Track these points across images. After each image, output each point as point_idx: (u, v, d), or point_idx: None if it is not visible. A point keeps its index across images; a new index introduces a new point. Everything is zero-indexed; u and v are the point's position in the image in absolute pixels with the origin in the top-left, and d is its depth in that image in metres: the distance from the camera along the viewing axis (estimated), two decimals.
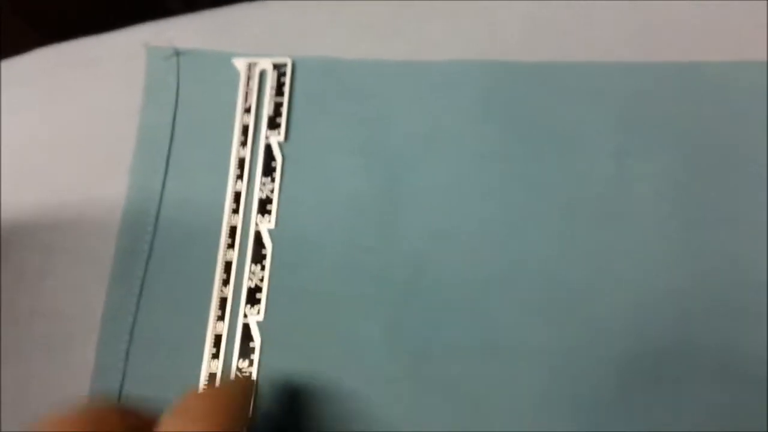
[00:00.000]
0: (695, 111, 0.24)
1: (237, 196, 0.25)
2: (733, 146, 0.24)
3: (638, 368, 0.22)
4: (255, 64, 0.26)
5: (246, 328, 0.24)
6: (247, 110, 0.26)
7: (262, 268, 0.24)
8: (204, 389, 0.22)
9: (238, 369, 0.23)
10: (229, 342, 0.24)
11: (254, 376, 0.23)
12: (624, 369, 0.22)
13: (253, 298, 0.24)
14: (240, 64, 0.26)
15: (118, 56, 0.27)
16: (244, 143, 0.26)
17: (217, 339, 0.24)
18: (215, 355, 0.24)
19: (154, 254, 0.25)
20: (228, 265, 0.24)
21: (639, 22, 0.25)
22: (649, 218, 0.24)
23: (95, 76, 0.27)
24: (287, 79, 0.26)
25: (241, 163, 0.25)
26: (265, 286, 0.24)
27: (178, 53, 0.27)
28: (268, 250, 0.25)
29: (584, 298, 0.23)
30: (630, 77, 0.25)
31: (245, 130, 0.26)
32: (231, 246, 0.25)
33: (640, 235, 0.23)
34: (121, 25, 0.28)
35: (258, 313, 0.24)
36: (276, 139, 0.26)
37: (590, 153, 0.24)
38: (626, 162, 0.24)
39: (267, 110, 0.26)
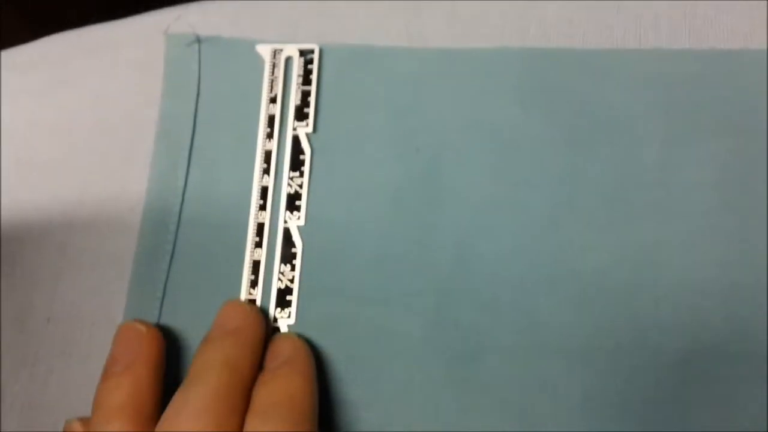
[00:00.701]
0: (741, 98, 0.23)
1: (264, 192, 0.24)
2: None
3: (689, 366, 0.21)
4: (280, 50, 0.25)
5: (277, 332, 0.22)
6: (273, 100, 0.24)
7: (293, 268, 0.23)
8: None
9: None
10: None
11: None
12: (674, 367, 0.21)
13: (283, 301, 0.23)
14: (264, 50, 0.25)
15: (135, 43, 0.26)
16: (270, 135, 0.24)
17: None
18: None
19: (177, 254, 0.23)
20: (256, 265, 0.23)
21: (683, 6, 0.24)
22: (697, 208, 0.22)
23: (112, 64, 0.25)
24: (315, 67, 0.24)
25: (267, 156, 0.24)
26: (296, 287, 0.23)
27: (199, 40, 0.25)
28: (299, 248, 0.23)
29: (630, 292, 0.22)
30: (674, 63, 0.23)
31: (271, 121, 0.24)
32: (259, 245, 0.23)
33: (687, 226, 0.22)
34: (137, 11, 0.26)
35: (289, 316, 0.23)
36: (304, 130, 0.24)
37: (634, 141, 0.23)
38: (671, 150, 0.23)
39: (294, 100, 0.24)
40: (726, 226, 0.22)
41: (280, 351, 0.21)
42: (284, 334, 0.22)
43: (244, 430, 0.19)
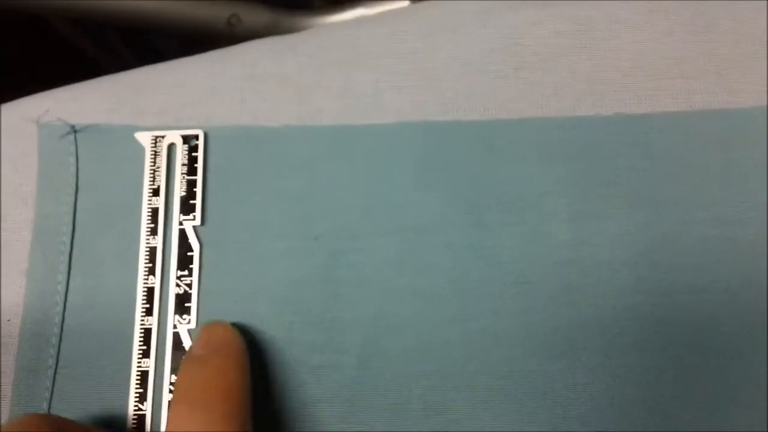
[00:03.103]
0: (650, 165, 0.22)
1: (150, 294, 0.22)
2: (695, 202, 0.21)
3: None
4: (162, 137, 0.23)
5: None
6: (156, 192, 0.23)
7: None
8: None
9: None
10: None
11: None
12: None
13: None
14: (144, 138, 0.23)
15: (2, 135, 0.24)
16: (154, 231, 0.22)
17: None
18: None
19: (61, 372, 0.22)
20: (144, 377, 0.21)
21: (586, 71, 0.22)
22: (613, 288, 0.21)
23: None
24: (200, 154, 0.23)
25: (152, 254, 0.22)
26: None
27: (75, 130, 0.23)
28: None
29: (546, 382, 0.21)
30: (579, 131, 0.22)
31: (155, 215, 0.22)
32: (146, 354, 0.22)
33: (602, 308, 0.21)
34: (12, 95, 0.24)
35: None
36: (191, 223, 0.22)
37: (542, 218, 0.22)
38: (581, 226, 0.22)
39: (178, 191, 0.23)
40: (640, 306, 0.21)
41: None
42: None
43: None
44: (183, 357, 0.21)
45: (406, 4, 0.38)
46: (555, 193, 0.22)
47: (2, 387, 0.22)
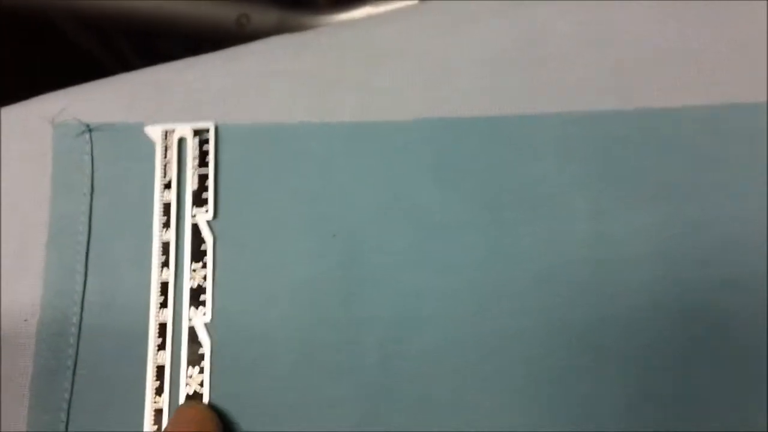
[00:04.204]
0: (673, 160, 0.21)
1: (164, 287, 0.22)
2: (717, 196, 0.21)
3: None
4: (172, 131, 0.23)
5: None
6: (168, 186, 0.23)
7: (201, 370, 0.21)
8: None
9: None
10: None
11: None
12: None
13: None
14: (154, 132, 0.23)
15: (18, 135, 0.24)
16: (167, 224, 0.22)
17: None
18: None
19: (79, 373, 0.21)
20: (160, 370, 0.21)
21: (608, 65, 0.22)
22: (635, 285, 0.20)
23: None
24: (211, 147, 0.23)
25: (165, 247, 0.22)
26: (205, 392, 0.21)
27: (89, 129, 0.23)
28: (206, 347, 0.21)
29: (571, 380, 0.20)
30: (600, 127, 0.22)
31: (167, 209, 0.22)
32: (162, 347, 0.21)
33: (627, 304, 0.20)
34: (20, 96, 0.24)
35: None
36: (204, 217, 0.22)
37: (562, 214, 0.21)
38: (603, 222, 0.21)
39: (190, 184, 0.22)
40: (664, 302, 0.20)
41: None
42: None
43: None
44: None
45: (414, 2, 0.38)
46: (576, 190, 0.21)
47: (19, 388, 0.22)
